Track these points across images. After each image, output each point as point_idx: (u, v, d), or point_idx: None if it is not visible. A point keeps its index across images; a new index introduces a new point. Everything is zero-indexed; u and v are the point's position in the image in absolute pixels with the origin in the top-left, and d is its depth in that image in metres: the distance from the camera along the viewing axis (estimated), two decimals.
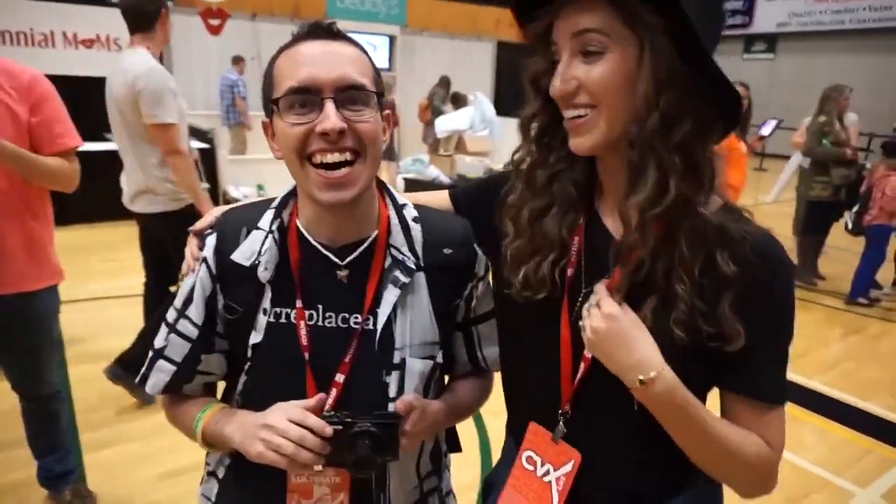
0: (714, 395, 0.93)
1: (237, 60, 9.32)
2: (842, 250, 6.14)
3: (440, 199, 1.19)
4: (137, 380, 1.07)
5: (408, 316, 1.02)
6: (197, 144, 5.44)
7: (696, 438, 0.87)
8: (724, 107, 0.85)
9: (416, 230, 1.05)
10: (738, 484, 0.91)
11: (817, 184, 5.45)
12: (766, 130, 5.66)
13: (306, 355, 0.99)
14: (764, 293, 0.85)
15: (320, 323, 1.00)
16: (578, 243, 0.96)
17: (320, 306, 1.01)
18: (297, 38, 0.96)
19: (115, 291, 4.61)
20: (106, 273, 5.05)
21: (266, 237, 1.01)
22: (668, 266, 0.85)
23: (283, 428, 0.91)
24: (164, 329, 1.05)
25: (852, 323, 4.95)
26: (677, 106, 0.81)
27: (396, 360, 1.01)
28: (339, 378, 0.99)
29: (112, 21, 8.10)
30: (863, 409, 3.59)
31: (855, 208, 5.38)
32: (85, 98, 4.72)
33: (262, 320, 1.00)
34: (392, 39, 11.39)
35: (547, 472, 0.98)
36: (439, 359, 1.06)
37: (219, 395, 1.15)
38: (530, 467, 1.00)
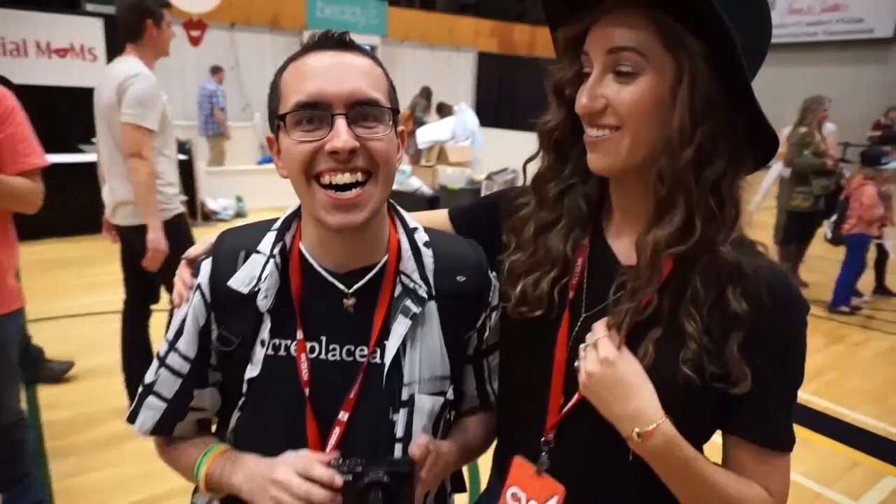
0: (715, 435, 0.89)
1: (216, 71, 9.22)
2: (821, 259, 6.20)
3: (439, 220, 1.13)
4: (126, 417, 0.99)
5: (418, 349, 0.95)
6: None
7: (692, 490, 0.82)
8: (756, 141, 0.82)
9: (427, 256, 0.98)
10: None
11: (798, 194, 5.50)
12: None
13: (306, 391, 0.91)
14: (775, 334, 0.81)
15: (323, 356, 0.93)
16: (581, 264, 0.91)
17: (323, 338, 0.93)
18: (306, 49, 0.89)
19: (89, 308, 4.48)
20: (80, 289, 4.91)
21: (267, 262, 0.93)
22: (677, 300, 0.80)
23: (291, 484, 0.84)
24: (154, 362, 0.98)
25: (834, 331, 4.98)
26: (712, 139, 0.78)
27: (405, 396, 0.93)
28: (343, 416, 0.91)
29: (86, 30, 8.02)
30: (850, 419, 3.59)
31: (833, 218, 5.44)
32: (59, 108, 4.61)
33: (259, 352, 0.93)
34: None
35: None
36: (450, 395, 0.99)
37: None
38: None
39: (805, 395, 3.75)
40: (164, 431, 0.99)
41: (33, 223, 5.33)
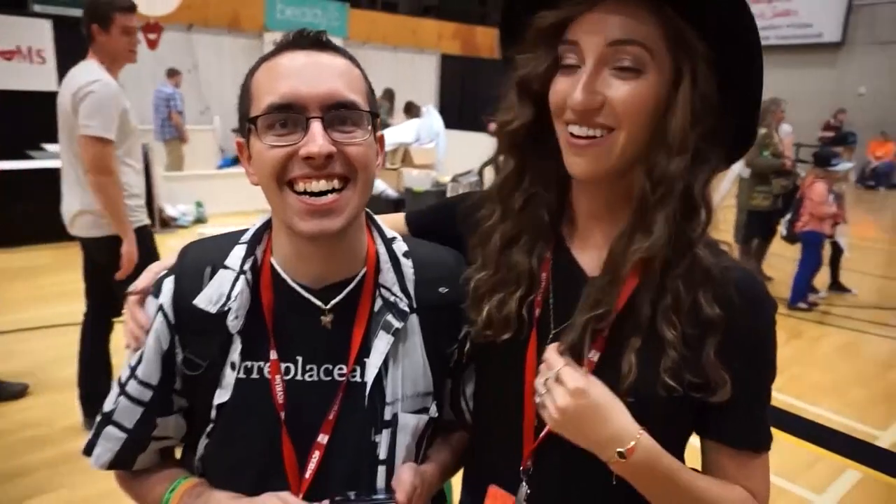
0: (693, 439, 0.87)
1: (173, 73, 8.98)
2: (779, 257, 6.35)
3: (394, 222, 1.07)
4: (83, 449, 0.91)
5: (400, 365, 0.90)
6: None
7: (677, 502, 0.80)
8: (737, 142, 0.81)
9: (407, 267, 0.93)
10: None
11: (759, 193, 5.62)
12: None
13: (282, 415, 0.85)
14: (748, 337, 0.79)
15: (299, 377, 0.87)
16: (546, 279, 0.87)
17: (299, 358, 0.87)
18: (279, 48, 0.83)
19: (38, 321, 4.27)
20: (28, 301, 4.69)
21: (237, 279, 0.86)
22: (654, 307, 0.77)
23: None
24: (114, 389, 0.90)
25: (793, 328, 5.10)
26: (706, 142, 0.75)
27: (388, 416, 0.88)
28: (322, 439, 0.86)
29: (34, 32, 7.72)
30: (811, 414, 3.67)
31: (788, 216, 5.58)
32: (5, 113, 4.39)
33: (229, 376, 0.86)
34: None
35: None
36: (433, 411, 0.94)
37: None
38: None
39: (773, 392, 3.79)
40: (124, 465, 0.91)
41: None
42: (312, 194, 0.79)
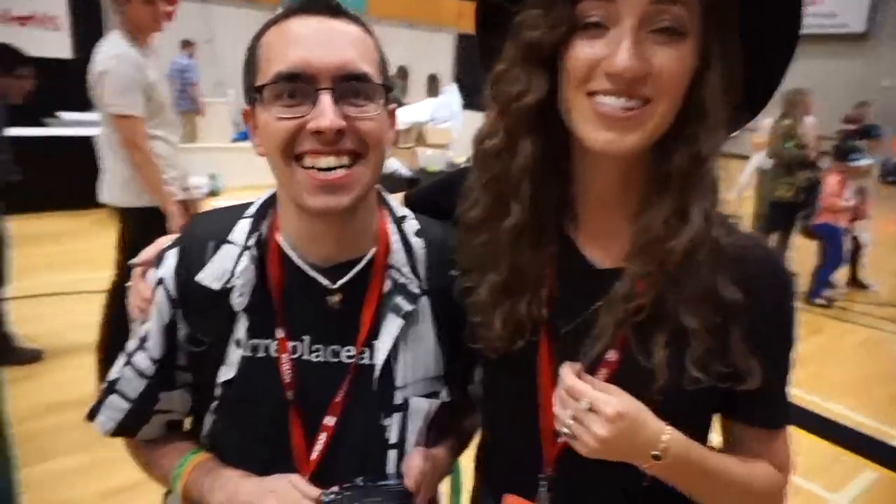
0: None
1: (187, 45, 8.90)
2: (799, 251, 6.25)
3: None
4: (86, 415, 0.90)
5: (410, 349, 0.86)
6: None
7: (709, 488, 0.79)
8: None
9: (418, 247, 0.89)
10: None
11: (782, 185, 5.50)
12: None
13: (290, 395, 0.82)
14: (771, 318, 0.75)
15: (306, 357, 0.84)
16: (550, 275, 0.80)
17: (307, 337, 0.84)
18: (289, 12, 0.77)
19: (51, 288, 4.28)
20: (42, 268, 4.69)
21: (241, 254, 0.83)
22: (677, 297, 0.72)
23: None
24: (121, 358, 0.88)
25: (812, 323, 5.01)
26: (729, 115, 0.70)
27: (398, 400, 0.85)
28: (329, 421, 0.83)
29: None
30: (830, 411, 3.61)
31: (808, 210, 5.49)
32: None
33: (235, 354, 0.83)
34: None
35: None
36: (445, 396, 0.91)
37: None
38: None
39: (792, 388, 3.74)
40: (127, 433, 0.90)
41: None
42: (321, 170, 0.75)
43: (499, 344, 0.79)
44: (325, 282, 0.84)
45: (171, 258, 0.86)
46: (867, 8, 15.00)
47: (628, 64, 0.64)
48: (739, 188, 6.86)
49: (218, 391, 0.85)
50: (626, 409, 0.71)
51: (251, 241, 0.84)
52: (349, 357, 0.85)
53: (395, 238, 0.88)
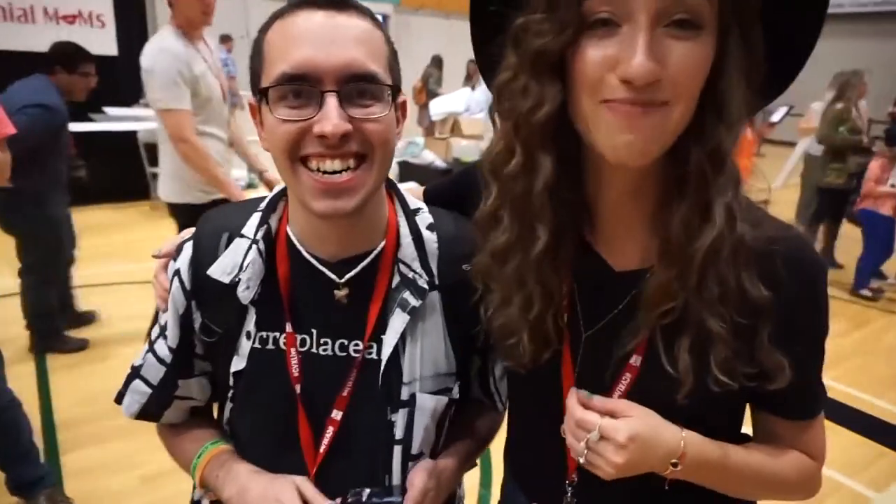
0: None
1: (225, 39, 9.07)
2: (848, 239, 6.02)
3: (414, 195, 1.01)
4: (115, 397, 0.95)
5: (419, 344, 0.86)
6: None
7: (735, 484, 0.78)
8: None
9: (430, 241, 0.88)
10: (780, 501, 0.84)
11: (833, 170, 5.29)
12: (776, 117, 5.50)
13: (297, 388, 0.83)
14: (801, 313, 0.71)
15: (314, 350, 0.85)
16: (569, 280, 0.78)
17: (314, 331, 0.85)
18: (294, 5, 0.76)
19: (99, 279, 4.42)
20: (89, 258, 4.84)
21: (249, 248, 0.84)
22: (700, 299, 0.69)
23: None
24: (145, 344, 0.92)
25: (857, 316, 4.83)
26: (748, 108, 0.66)
27: (405, 395, 0.85)
28: (336, 415, 0.84)
29: None
30: (875, 408, 3.48)
31: (855, 196, 5.30)
32: None
33: (245, 345, 0.85)
34: (385, 19, 11.12)
35: None
36: (455, 393, 0.90)
37: None
38: None
39: (827, 381, 3.62)
40: (150, 417, 0.94)
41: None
42: (326, 172, 0.74)
43: (527, 359, 0.78)
44: (331, 276, 0.84)
45: (187, 250, 0.88)
46: None
47: (644, 68, 0.58)
48: (785, 175, 6.64)
49: (231, 381, 0.87)
50: (637, 431, 0.70)
51: (259, 235, 0.84)
52: (356, 351, 0.85)
53: (404, 232, 0.87)
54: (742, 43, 0.63)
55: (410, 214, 0.89)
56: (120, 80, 6.64)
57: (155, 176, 6.06)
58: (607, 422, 0.71)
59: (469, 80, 8.50)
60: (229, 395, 0.89)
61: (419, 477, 0.85)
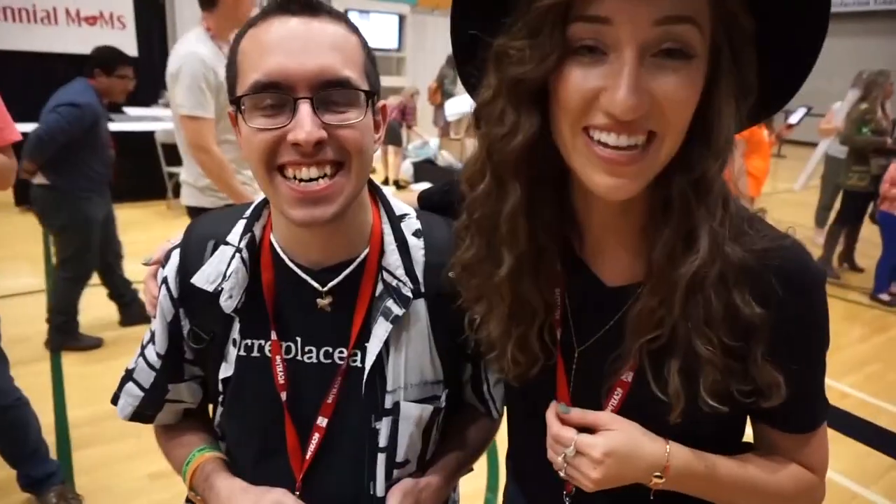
0: None
1: None
2: (866, 242, 5.91)
3: (409, 202, 1.01)
4: (111, 399, 0.96)
5: (403, 352, 0.85)
6: None
7: (727, 496, 0.77)
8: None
9: (416, 248, 0.87)
10: None
11: (855, 173, 5.19)
12: (794, 118, 5.41)
13: (283, 395, 0.84)
14: (798, 328, 0.69)
15: (299, 357, 0.85)
16: (560, 293, 0.77)
17: (299, 338, 0.85)
18: (267, 13, 0.75)
19: None
20: None
21: (233, 256, 0.84)
22: (688, 321, 0.67)
23: None
24: (138, 349, 0.93)
25: (877, 321, 4.73)
26: (737, 127, 0.64)
27: (388, 404, 0.85)
28: (322, 422, 0.84)
29: None
30: (892, 415, 3.40)
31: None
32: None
33: (232, 352, 0.85)
34: (402, 19, 11.13)
35: None
36: (442, 401, 0.89)
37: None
38: None
39: (844, 388, 3.59)
40: (144, 419, 0.96)
41: None
42: (302, 180, 0.73)
43: (515, 373, 0.77)
44: (314, 284, 0.84)
45: (175, 258, 0.88)
46: None
47: (629, 103, 0.56)
48: (805, 177, 6.54)
49: (220, 387, 0.88)
50: (614, 447, 0.70)
51: (243, 243, 0.84)
52: (341, 359, 0.84)
53: (388, 239, 0.86)
54: (733, 67, 0.61)
55: (395, 220, 0.89)
56: (139, 80, 6.74)
57: (171, 176, 6.17)
58: (583, 438, 0.71)
59: None
60: (219, 399, 0.90)
61: (394, 498, 0.84)
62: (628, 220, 0.72)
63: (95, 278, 3.64)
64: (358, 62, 0.77)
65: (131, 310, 3.81)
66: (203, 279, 0.84)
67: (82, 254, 3.40)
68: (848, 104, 5.41)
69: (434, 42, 11.78)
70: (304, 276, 0.84)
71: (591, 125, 0.60)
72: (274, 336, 0.84)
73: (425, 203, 1.01)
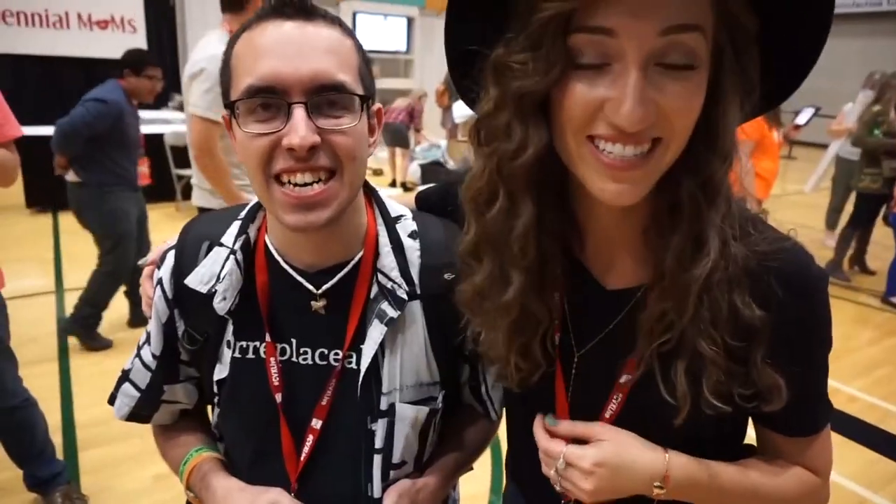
0: None
1: None
2: (877, 245, 5.84)
3: (406, 201, 1.01)
4: (108, 399, 0.97)
5: (398, 355, 0.85)
6: None
7: (730, 501, 0.76)
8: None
9: (412, 250, 0.87)
10: None
11: (867, 175, 5.13)
12: (802, 119, 5.37)
13: (278, 397, 0.84)
14: (799, 330, 0.68)
15: (294, 359, 0.85)
16: (559, 299, 0.76)
17: (294, 340, 0.85)
18: (261, 17, 0.76)
19: None
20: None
21: (227, 258, 0.84)
22: (694, 324, 0.66)
23: None
24: (134, 350, 0.93)
25: (888, 324, 4.65)
26: (740, 129, 0.63)
27: (384, 406, 0.85)
28: (316, 423, 0.84)
29: (126, 1, 8.06)
30: None
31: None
32: (99, 80, 4.63)
33: (226, 354, 0.86)
34: (410, 21, 11.15)
35: None
36: (439, 402, 0.89)
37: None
38: None
39: (854, 391, 3.54)
40: (140, 419, 0.96)
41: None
42: (297, 185, 0.74)
43: (516, 383, 0.77)
44: (309, 286, 0.84)
45: (170, 259, 0.89)
46: None
47: (635, 116, 0.55)
48: (816, 179, 6.48)
49: (215, 389, 0.88)
50: (604, 457, 0.70)
51: (238, 245, 0.84)
52: (336, 360, 0.84)
53: (383, 241, 0.86)
54: (737, 67, 0.60)
55: (391, 222, 0.88)
56: None
57: (181, 178, 6.21)
58: (571, 449, 0.71)
59: None
60: (215, 400, 0.91)
61: (390, 499, 0.84)
62: (630, 224, 0.72)
63: None
64: (353, 66, 0.77)
65: (141, 311, 3.82)
66: (197, 280, 0.84)
67: (118, 247, 3.48)
68: (859, 105, 5.36)
69: (442, 44, 11.78)
70: (298, 278, 0.84)
71: (595, 135, 0.60)
72: (268, 338, 0.84)
73: (423, 204, 1.01)
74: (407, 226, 0.89)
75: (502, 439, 1.04)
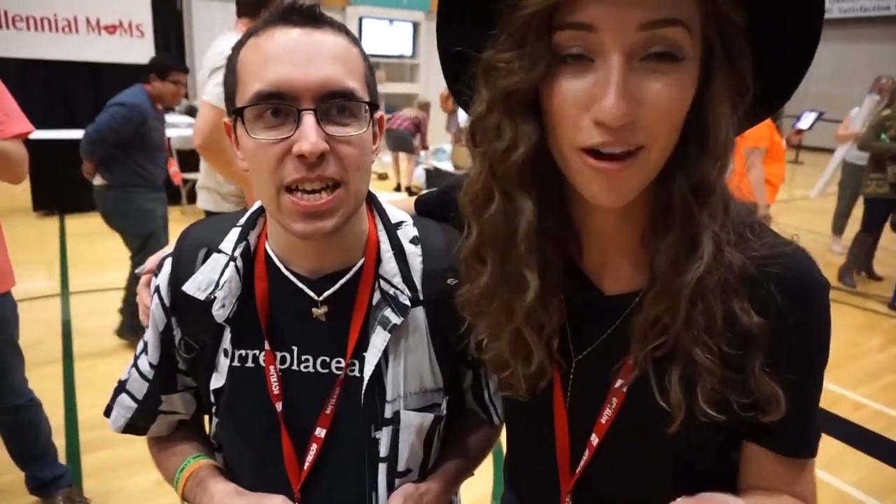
0: None
1: None
2: (885, 251, 5.81)
3: (405, 206, 1.00)
4: (104, 411, 0.96)
5: (402, 361, 0.84)
6: None
7: None
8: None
9: (413, 255, 0.87)
10: None
11: (873, 180, 5.11)
12: (804, 123, 5.35)
13: (278, 406, 0.83)
14: (798, 339, 0.66)
15: (295, 367, 0.84)
16: (559, 305, 0.75)
17: (295, 348, 0.84)
18: (268, 23, 0.75)
19: (120, 283, 4.53)
20: (119, 263, 4.97)
21: (227, 265, 0.83)
22: (689, 330, 0.65)
23: None
24: (131, 360, 0.93)
25: (894, 330, 4.60)
26: (735, 131, 0.62)
27: (388, 413, 0.84)
28: (320, 432, 0.83)
29: (134, 6, 8.12)
30: None
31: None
32: (107, 84, 4.68)
33: (223, 362, 0.85)
34: (416, 26, 11.18)
35: None
36: (443, 409, 0.89)
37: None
38: None
39: (860, 398, 3.51)
40: (137, 431, 0.95)
41: (76, 195, 5.52)
42: (305, 192, 0.73)
43: (524, 391, 0.76)
44: (310, 293, 0.83)
45: (167, 266, 0.88)
46: None
47: (617, 110, 0.54)
48: (822, 184, 6.44)
49: (211, 398, 0.87)
50: None
51: (238, 251, 0.84)
52: (338, 369, 0.83)
53: (385, 247, 0.86)
54: (726, 63, 0.59)
55: (392, 228, 0.88)
56: None
57: (186, 182, 6.23)
58: None
59: None
60: (213, 410, 0.90)
61: (395, 502, 0.84)
62: (627, 228, 0.71)
63: (117, 283, 3.69)
64: (360, 74, 0.77)
65: (128, 323, 3.82)
66: (194, 287, 0.84)
67: (147, 245, 3.52)
68: (866, 109, 5.33)
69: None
70: (300, 284, 0.83)
71: (585, 146, 0.59)
72: (267, 346, 0.83)
73: (422, 208, 1.00)
74: (408, 231, 0.89)
75: (503, 444, 1.04)
